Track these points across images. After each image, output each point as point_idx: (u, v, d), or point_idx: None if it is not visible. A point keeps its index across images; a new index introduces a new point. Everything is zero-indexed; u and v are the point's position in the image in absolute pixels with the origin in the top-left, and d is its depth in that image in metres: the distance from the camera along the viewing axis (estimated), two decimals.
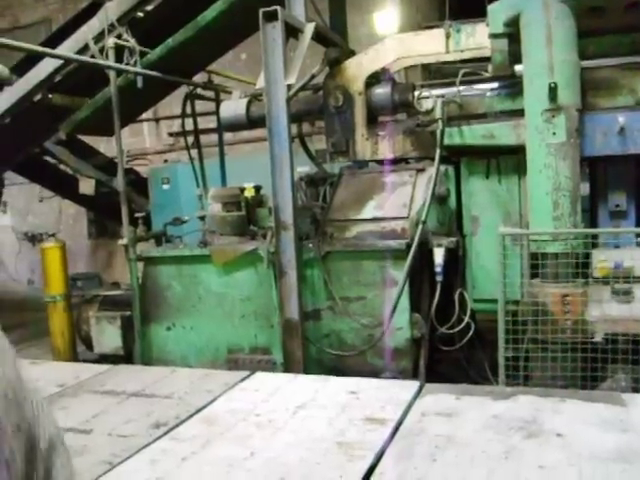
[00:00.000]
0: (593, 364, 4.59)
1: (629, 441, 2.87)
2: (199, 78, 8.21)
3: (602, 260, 4.83)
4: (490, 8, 5.00)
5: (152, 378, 4.42)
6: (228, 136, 9.37)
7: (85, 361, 6.94)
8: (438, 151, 5.31)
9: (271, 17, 5.09)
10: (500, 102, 5.62)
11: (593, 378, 4.63)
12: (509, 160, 5.32)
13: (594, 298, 4.76)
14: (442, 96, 5.60)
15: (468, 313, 5.46)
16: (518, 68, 5.04)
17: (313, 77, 5.61)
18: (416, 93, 5.85)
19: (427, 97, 5.54)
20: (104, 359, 6.43)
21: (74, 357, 7.49)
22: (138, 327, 6.23)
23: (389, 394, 3.71)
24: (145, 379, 4.40)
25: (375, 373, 5.17)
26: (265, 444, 3.13)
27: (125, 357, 6.47)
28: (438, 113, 5.32)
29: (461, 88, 5.66)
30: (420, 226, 5.17)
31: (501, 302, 4.69)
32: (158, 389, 4.17)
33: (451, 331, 5.47)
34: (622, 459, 2.70)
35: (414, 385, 3.84)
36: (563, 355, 4.66)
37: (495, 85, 5.72)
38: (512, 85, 5.48)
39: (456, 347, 5.56)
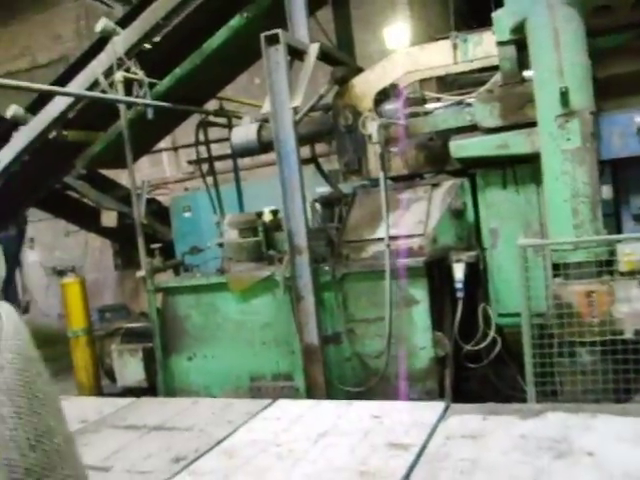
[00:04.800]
0: (625, 374, 4.41)
1: None
2: (212, 104, 8.22)
3: (628, 253, 4.61)
4: (495, 15, 4.87)
5: (173, 410, 4.41)
6: (246, 160, 9.35)
7: (109, 394, 6.94)
8: (382, 174, 5.32)
9: (273, 40, 5.07)
10: (444, 121, 5.63)
11: (626, 390, 4.45)
12: (525, 169, 5.14)
13: (621, 294, 4.57)
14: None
15: (493, 328, 5.29)
16: (527, 74, 4.93)
17: (321, 98, 5.57)
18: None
19: (373, 119, 5.44)
20: (128, 392, 6.42)
21: (98, 391, 7.47)
22: (160, 358, 6.18)
23: (413, 417, 3.62)
24: (166, 412, 4.38)
25: (400, 395, 5.05)
26: (284, 476, 3.07)
27: (149, 389, 6.45)
28: (375, 137, 5.28)
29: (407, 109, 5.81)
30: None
31: (525, 316, 4.53)
32: (179, 422, 4.14)
33: (477, 348, 5.32)
34: None
35: (439, 406, 3.75)
36: (593, 366, 4.49)
37: (440, 104, 5.92)
38: (457, 103, 5.68)
39: (483, 364, 5.41)
